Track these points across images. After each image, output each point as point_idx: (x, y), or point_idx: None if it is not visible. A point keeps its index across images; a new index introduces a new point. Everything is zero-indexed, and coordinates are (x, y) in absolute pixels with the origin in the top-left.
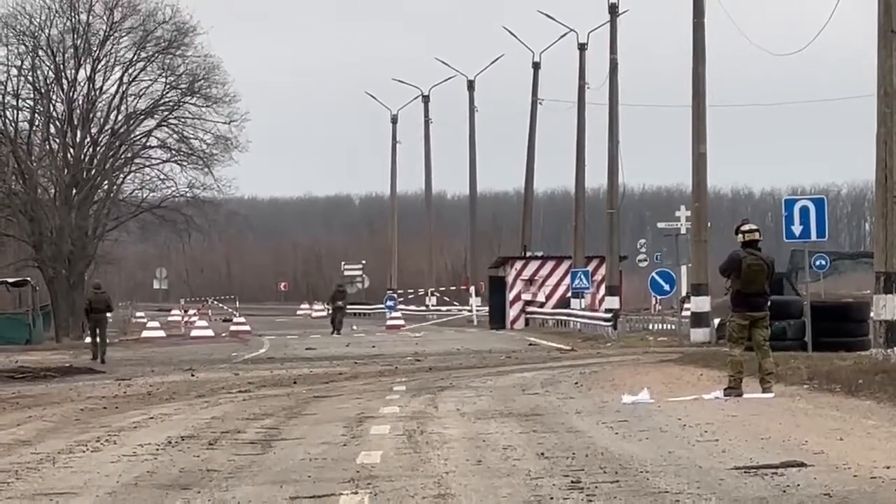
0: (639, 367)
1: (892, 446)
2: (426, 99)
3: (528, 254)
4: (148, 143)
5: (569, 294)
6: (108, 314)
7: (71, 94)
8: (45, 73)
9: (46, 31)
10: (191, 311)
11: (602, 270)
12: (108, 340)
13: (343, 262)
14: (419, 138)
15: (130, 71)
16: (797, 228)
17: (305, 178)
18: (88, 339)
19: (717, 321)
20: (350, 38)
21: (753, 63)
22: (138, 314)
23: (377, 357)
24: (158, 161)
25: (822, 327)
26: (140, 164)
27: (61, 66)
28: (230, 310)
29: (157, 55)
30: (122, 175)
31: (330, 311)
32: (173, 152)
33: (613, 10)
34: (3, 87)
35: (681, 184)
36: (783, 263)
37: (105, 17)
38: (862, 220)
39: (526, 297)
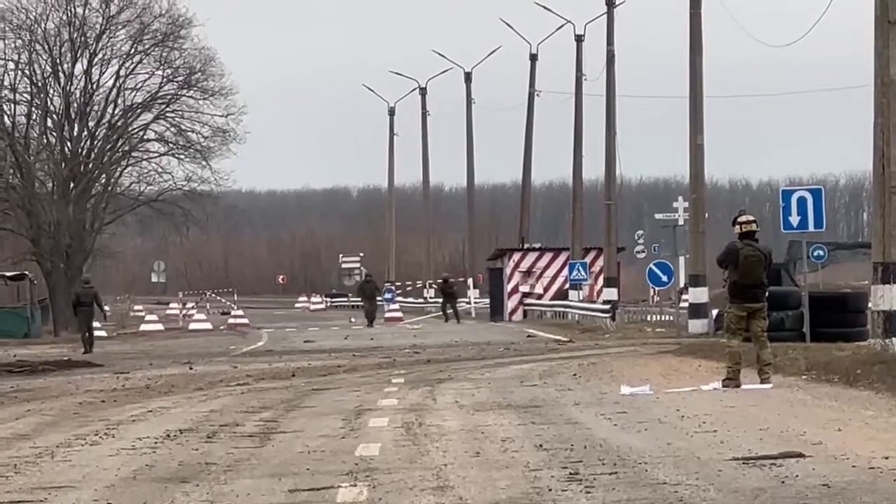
0: (637, 358)
1: (890, 436)
2: (423, 91)
3: (526, 245)
4: (145, 137)
5: (567, 285)
6: (106, 308)
7: (68, 87)
8: (42, 67)
9: (43, 24)
10: (189, 305)
11: (600, 262)
12: (95, 332)
13: (341, 255)
14: (417, 130)
15: (127, 64)
16: (795, 219)
17: (303, 170)
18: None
19: (715, 312)
20: (348, 30)
21: (752, 54)
22: (136, 307)
23: (376, 349)
24: (156, 154)
25: (820, 318)
26: (137, 158)
27: (58, 59)
28: (228, 303)
29: (153, 48)
30: (119, 168)
31: (364, 303)
32: (171, 145)
33: (610, 1)
34: (0, 82)
35: (678, 175)
36: (781, 254)
37: (101, 11)
38: (860, 211)
39: (524, 288)
